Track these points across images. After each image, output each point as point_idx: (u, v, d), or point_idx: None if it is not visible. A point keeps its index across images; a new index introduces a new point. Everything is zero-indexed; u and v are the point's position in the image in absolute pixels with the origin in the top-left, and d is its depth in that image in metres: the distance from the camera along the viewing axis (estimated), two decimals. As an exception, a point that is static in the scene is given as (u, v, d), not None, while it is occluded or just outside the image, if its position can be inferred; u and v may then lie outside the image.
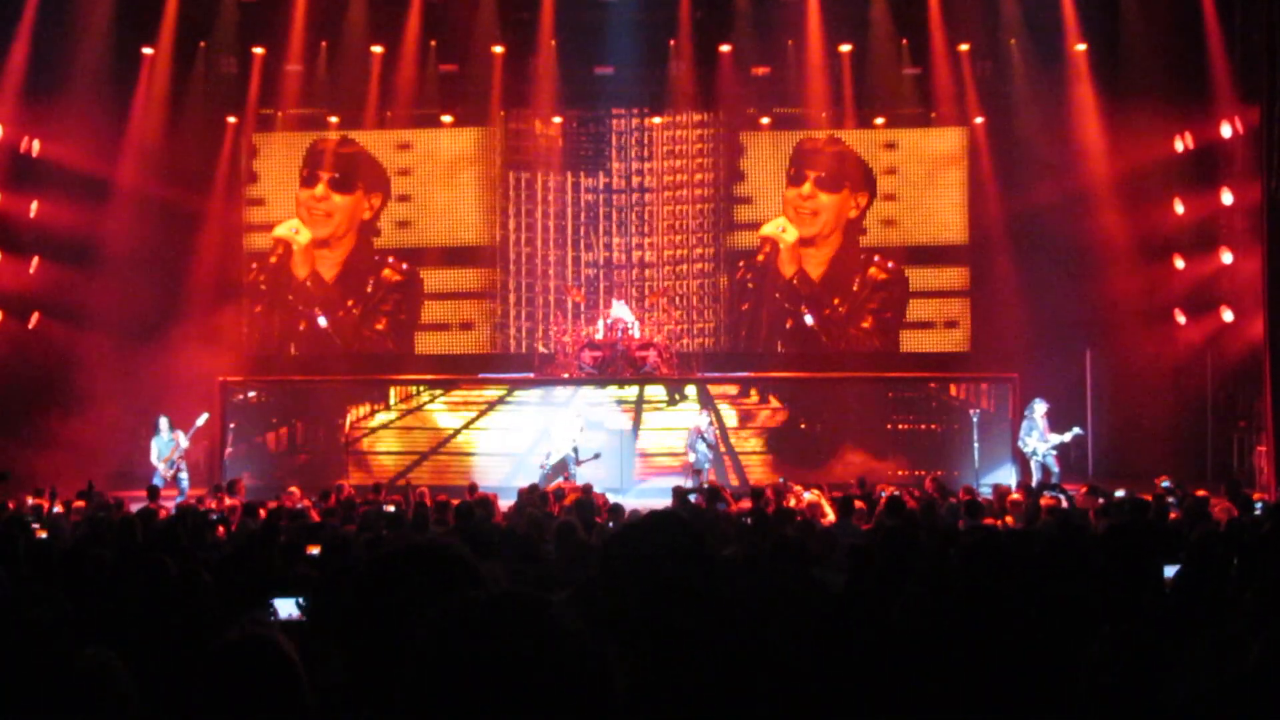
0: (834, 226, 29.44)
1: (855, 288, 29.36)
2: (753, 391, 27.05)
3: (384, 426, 26.70)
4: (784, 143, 29.65)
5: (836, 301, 29.34)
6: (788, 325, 29.44)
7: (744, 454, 26.18)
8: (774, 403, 26.73)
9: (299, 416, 27.06)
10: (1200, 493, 16.88)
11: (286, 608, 8.84)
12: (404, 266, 29.72)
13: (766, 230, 29.52)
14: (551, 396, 26.58)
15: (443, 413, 26.72)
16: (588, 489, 18.11)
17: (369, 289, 29.70)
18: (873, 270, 29.33)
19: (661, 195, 29.91)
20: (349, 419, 26.66)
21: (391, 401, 26.92)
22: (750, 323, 29.72)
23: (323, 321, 29.49)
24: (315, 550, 10.83)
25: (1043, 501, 15.87)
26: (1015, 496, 16.80)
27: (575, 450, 23.70)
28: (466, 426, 26.46)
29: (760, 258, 29.59)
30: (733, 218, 29.77)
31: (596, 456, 23.82)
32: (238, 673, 3.78)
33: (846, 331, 29.33)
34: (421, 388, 27.05)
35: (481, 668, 2.32)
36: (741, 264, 29.70)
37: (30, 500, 18.25)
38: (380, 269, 29.75)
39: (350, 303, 29.63)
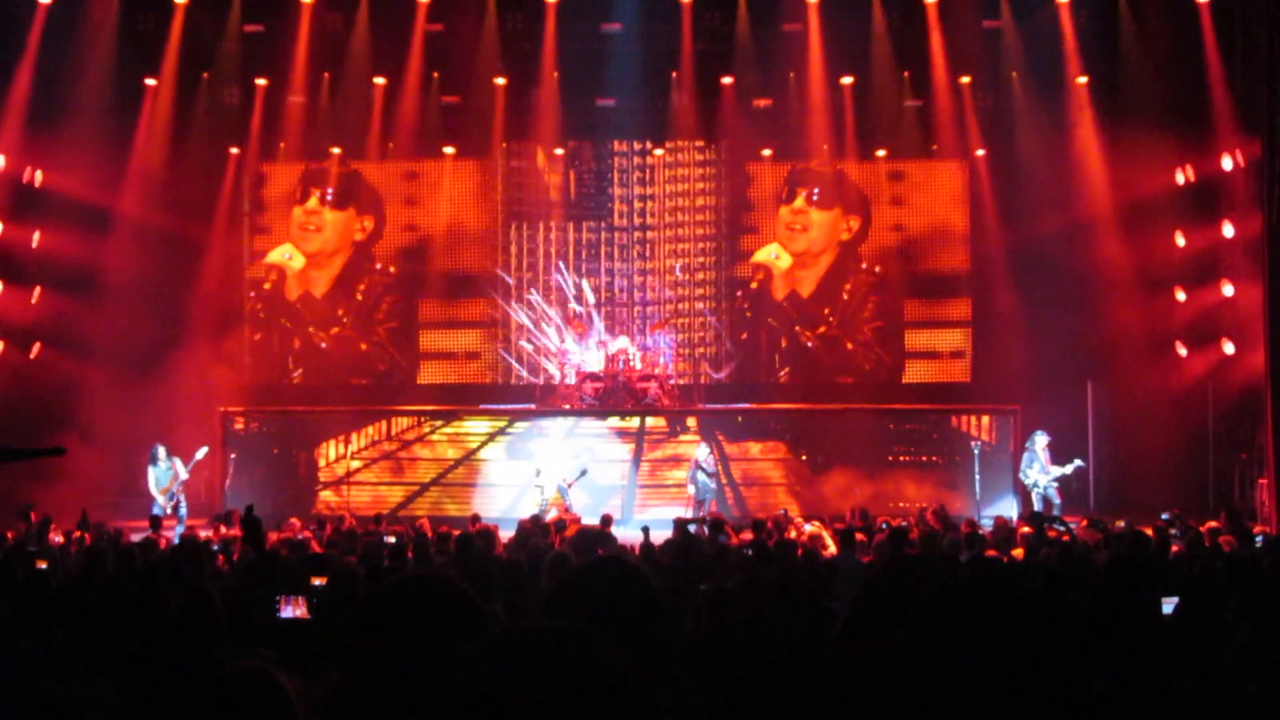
0: (824, 245, 29.58)
1: (845, 296, 29.45)
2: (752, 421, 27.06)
3: (385, 456, 26.65)
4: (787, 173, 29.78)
5: (827, 311, 29.44)
6: (782, 344, 29.58)
7: (744, 485, 26.14)
8: (775, 434, 26.68)
9: (299, 446, 26.97)
10: (1211, 524, 16.89)
11: (290, 607, 8.86)
12: (391, 270, 29.89)
13: (759, 257, 29.69)
14: (541, 429, 26.50)
15: (443, 443, 26.67)
16: (607, 520, 18.11)
17: (359, 296, 29.79)
18: (861, 277, 29.51)
19: (663, 227, 29.98)
20: (349, 449, 26.61)
21: (392, 431, 26.88)
22: (751, 353, 29.78)
23: (323, 345, 29.57)
24: (319, 581, 10.82)
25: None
26: (1027, 530, 16.74)
27: (564, 480, 23.69)
28: (468, 457, 26.42)
29: (754, 285, 29.71)
30: (739, 248, 29.91)
31: (584, 474, 23.82)
32: (231, 705, 3.76)
33: (844, 347, 29.40)
34: (422, 418, 27.01)
35: (526, 699, 2.31)
36: (740, 294, 29.80)
37: (30, 526, 18.19)
38: (370, 275, 29.87)
39: (340, 312, 29.71)
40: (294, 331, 29.84)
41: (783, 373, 29.68)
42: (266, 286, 29.77)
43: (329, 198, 29.82)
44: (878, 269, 29.56)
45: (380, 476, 26.55)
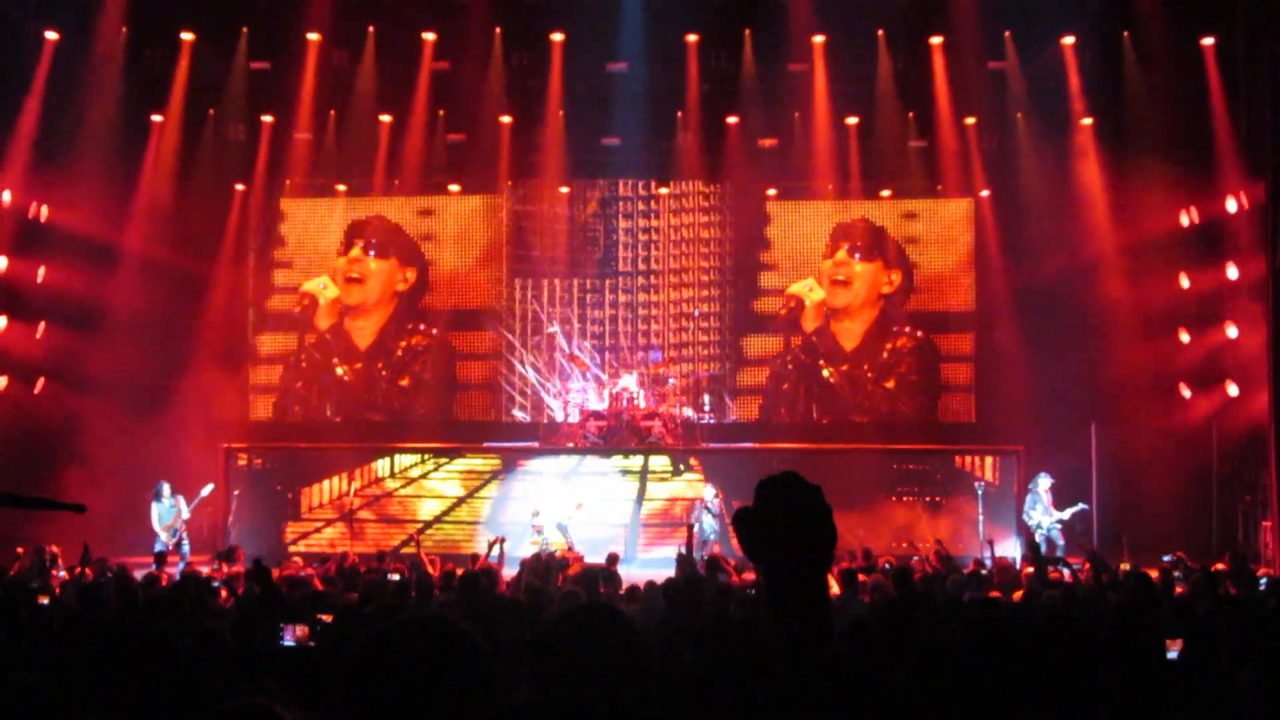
0: (866, 298, 29.56)
1: (885, 355, 29.49)
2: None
3: (388, 495, 26.59)
4: (799, 213, 29.91)
5: (866, 368, 29.44)
6: (806, 385, 29.55)
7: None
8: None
9: (302, 483, 26.88)
10: (1219, 566, 16.87)
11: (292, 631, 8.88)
12: (433, 331, 29.89)
13: (794, 289, 29.68)
14: (542, 467, 26.41)
15: (446, 481, 26.62)
16: (613, 559, 18.09)
17: (399, 354, 29.85)
18: (902, 341, 29.47)
19: (668, 272, 30.01)
20: (352, 486, 26.52)
21: (395, 469, 26.82)
22: (769, 391, 29.80)
23: (340, 371, 29.65)
24: (325, 619, 10.81)
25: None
26: (1030, 571, 16.74)
27: (561, 519, 23.66)
28: (471, 495, 26.36)
29: (782, 312, 29.69)
30: (758, 285, 29.88)
31: (578, 508, 23.82)
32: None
33: (869, 390, 29.39)
34: (425, 455, 26.95)
35: None
36: (777, 315, 29.87)
37: (32, 560, 18.21)
38: (412, 336, 29.92)
39: (380, 365, 29.79)
40: (320, 362, 29.87)
41: (793, 415, 29.63)
42: (297, 310, 29.83)
43: (372, 245, 29.89)
44: (920, 334, 29.56)
45: (382, 514, 26.48)
